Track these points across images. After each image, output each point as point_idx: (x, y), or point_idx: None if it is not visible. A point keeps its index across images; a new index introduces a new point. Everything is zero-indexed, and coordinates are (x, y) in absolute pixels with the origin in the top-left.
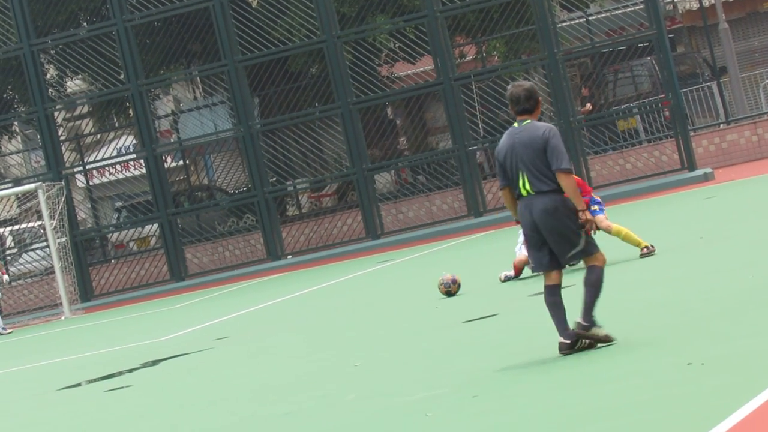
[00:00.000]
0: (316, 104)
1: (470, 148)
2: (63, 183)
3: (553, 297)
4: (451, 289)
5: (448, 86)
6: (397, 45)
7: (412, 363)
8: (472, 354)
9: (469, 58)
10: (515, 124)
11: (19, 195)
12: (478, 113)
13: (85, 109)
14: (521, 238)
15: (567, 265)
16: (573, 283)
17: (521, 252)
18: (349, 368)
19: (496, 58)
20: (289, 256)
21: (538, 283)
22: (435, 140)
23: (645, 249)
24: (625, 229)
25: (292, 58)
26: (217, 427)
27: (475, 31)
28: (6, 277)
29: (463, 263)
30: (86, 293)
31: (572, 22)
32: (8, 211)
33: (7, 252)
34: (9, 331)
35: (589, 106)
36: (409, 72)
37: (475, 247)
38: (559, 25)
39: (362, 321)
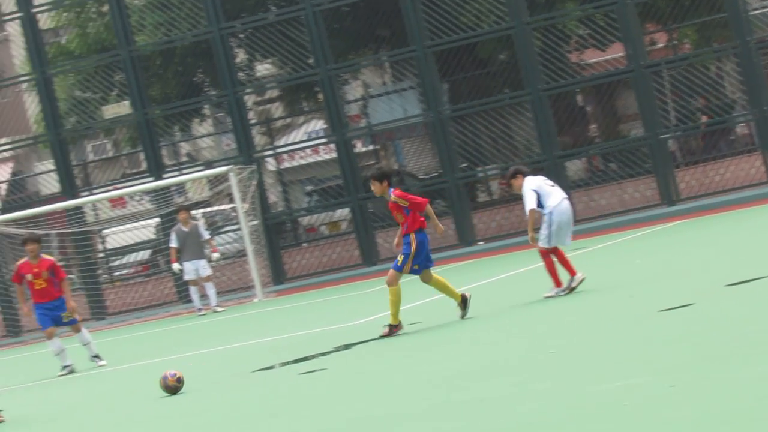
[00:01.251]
0: (506, 90)
1: (662, 136)
2: (254, 166)
3: None
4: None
5: (639, 74)
6: (586, 32)
7: (607, 351)
8: (669, 343)
9: (659, 45)
10: None
11: (211, 178)
12: (669, 101)
13: (275, 93)
14: None
15: None
16: None
17: None
18: (543, 356)
19: (687, 45)
20: (481, 242)
21: (735, 273)
22: (626, 128)
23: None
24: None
25: (480, 44)
26: (410, 413)
27: (666, 18)
28: (216, 255)
29: (657, 252)
30: (278, 276)
31: (765, 10)
32: (200, 194)
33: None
34: (222, 308)
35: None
36: (599, 59)
37: (668, 236)
38: (752, 13)
39: (554, 309)
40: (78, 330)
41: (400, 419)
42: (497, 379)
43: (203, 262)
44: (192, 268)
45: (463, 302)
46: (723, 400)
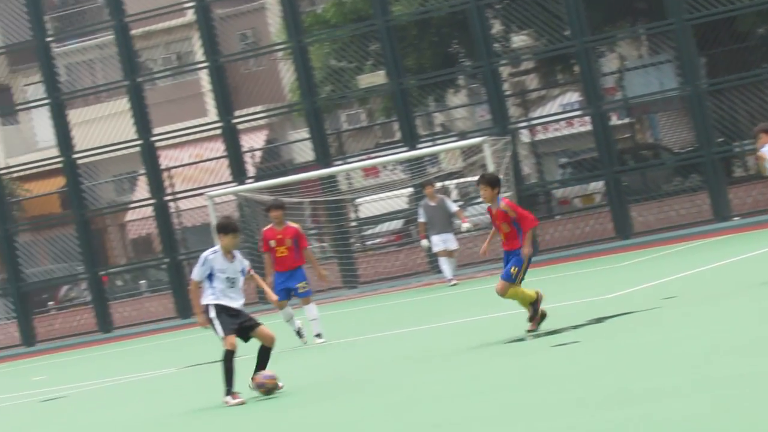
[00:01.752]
0: (764, 65)
1: None
2: (509, 138)
3: None
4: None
5: None
6: None
7: None
8: None
9: None
10: None
11: (464, 148)
12: None
13: (530, 65)
14: None
15: None
16: None
17: None
18: None
19: None
20: (737, 218)
21: None
22: None
23: None
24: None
25: (740, 18)
26: (668, 387)
27: None
28: (467, 225)
29: None
30: (536, 247)
31: None
32: (454, 164)
33: (457, 203)
34: (454, 282)
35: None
36: None
37: None
38: None
39: None
40: (308, 303)
41: (657, 394)
42: (761, 357)
43: (451, 236)
44: (440, 240)
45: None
46: None
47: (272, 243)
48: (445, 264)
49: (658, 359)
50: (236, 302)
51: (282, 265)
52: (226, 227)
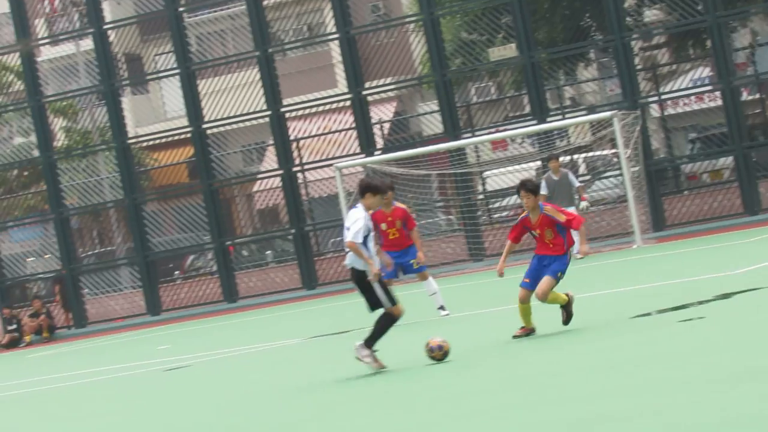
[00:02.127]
0: None
1: None
2: (638, 112)
3: None
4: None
5: None
6: None
7: None
8: None
9: None
10: None
11: (594, 122)
12: None
13: (662, 39)
14: None
15: None
16: None
17: None
18: None
19: None
20: None
21: None
22: None
23: None
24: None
25: None
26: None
27: None
28: (585, 203)
29: None
30: (658, 223)
31: None
32: (582, 138)
33: (580, 179)
34: (580, 256)
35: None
36: None
37: None
38: None
39: None
40: (425, 278)
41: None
42: None
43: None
44: None
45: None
46: None
47: (384, 226)
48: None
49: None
50: (378, 265)
51: (394, 246)
52: (377, 188)
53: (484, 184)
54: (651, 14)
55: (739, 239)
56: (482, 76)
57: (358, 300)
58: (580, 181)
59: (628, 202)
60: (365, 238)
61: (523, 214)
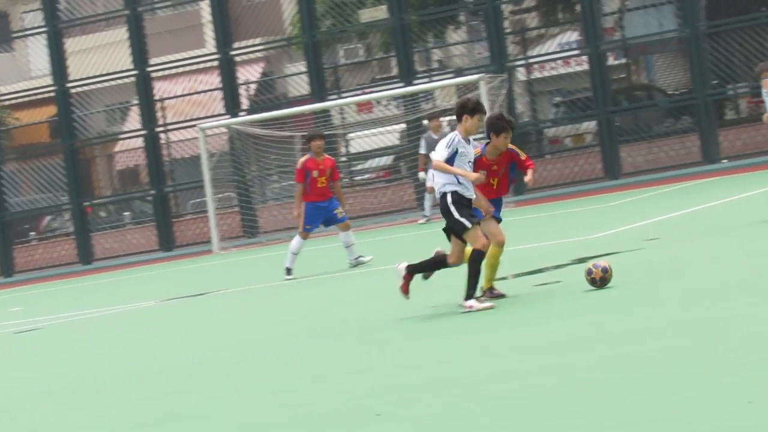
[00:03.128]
0: (764, 8)
1: None
2: (505, 75)
3: None
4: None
5: None
6: None
7: None
8: None
9: None
10: None
11: (460, 85)
12: None
13: (532, 3)
14: None
15: None
16: None
17: None
18: None
19: None
20: (725, 161)
21: None
22: None
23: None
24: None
25: None
26: (644, 329)
27: None
28: None
29: None
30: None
31: None
32: (448, 101)
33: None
34: (422, 221)
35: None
36: None
37: None
38: None
39: None
40: (347, 228)
41: (638, 334)
42: (736, 299)
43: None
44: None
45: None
46: None
47: (315, 173)
48: (427, 201)
49: (634, 300)
50: (470, 192)
51: (321, 195)
52: (475, 108)
53: (347, 147)
54: None
55: (599, 203)
56: (352, 37)
57: (215, 262)
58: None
59: None
60: (452, 160)
61: (475, 155)
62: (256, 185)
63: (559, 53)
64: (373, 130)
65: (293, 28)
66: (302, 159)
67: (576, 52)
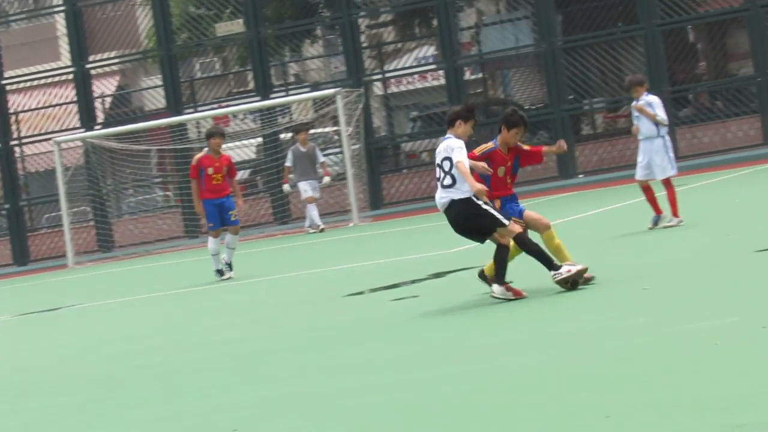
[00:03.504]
0: (619, 24)
1: None
2: (362, 90)
3: None
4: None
5: (755, 12)
6: None
7: (701, 290)
8: (763, 284)
9: None
10: None
11: (317, 99)
12: None
13: (389, 17)
14: None
15: None
16: None
17: None
18: (638, 292)
19: None
20: (581, 175)
21: None
22: (735, 67)
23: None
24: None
25: None
26: (504, 342)
27: None
28: (328, 179)
29: (757, 192)
30: (376, 201)
31: None
32: (305, 115)
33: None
34: (312, 231)
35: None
36: None
37: None
38: None
39: (649, 245)
40: (236, 232)
41: (494, 349)
42: (590, 315)
43: (314, 183)
44: (309, 187)
45: None
46: None
47: (210, 170)
48: (314, 210)
49: (496, 317)
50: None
51: (216, 192)
52: (468, 115)
53: None
54: None
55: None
56: (208, 51)
57: (71, 277)
58: (324, 155)
59: (347, 180)
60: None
61: (488, 148)
62: (111, 199)
63: (415, 68)
64: (230, 144)
65: (149, 41)
66: (198, 155)
67: (432, 66)
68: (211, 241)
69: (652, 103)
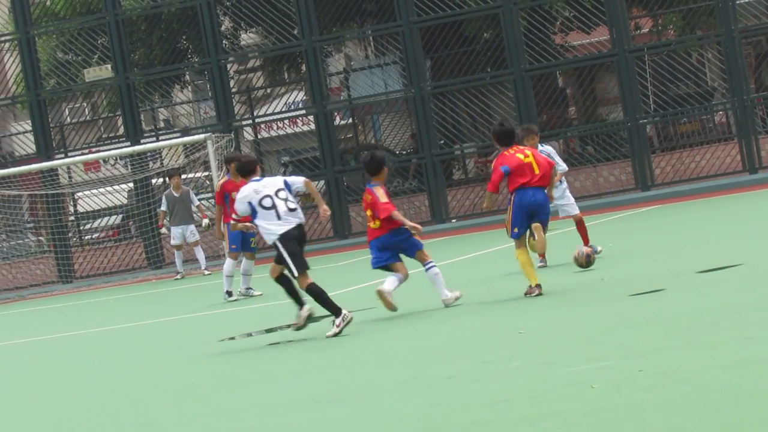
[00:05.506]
0: (488, 69)
1: (641, 122)
2: (232, 135)
3: None
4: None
5: (623, 58)
6: (572, 14)
7: (576, 333)
8: (639, 328)
9: (644, 30)
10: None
11: (187, 145)
12: (649, 86)
13: (257, 63)
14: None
15: None
16: None
17: None
18: (514, 335)
19: (671, 32)
20: (454, 220)
21: (707, 260)
22: (605, 111)
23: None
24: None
25: (466, 22)
26: (382, 386)
27: (652, 3)
28: (206, 221)
29: (630, 236)
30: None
31: (751, 0)
32: (176, 161)
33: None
34: (208, 272)
35: None
36: (583, 41)
37: (642, 221)
38: (738, 2)
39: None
40: (252, 258)
41: (370, 392)
42: (466, 358)
43: (192, 228)
44: (179, 233)
45: None
46: (690, 386)
47: (234, 194)
48: (178, 258)
49: (371, 358)
50: None
51: (244, 219)
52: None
53: (75, 206)
54: (247, 37)
55: (329, 263)
56: (77, 96)
57: None
58: (199, 200)
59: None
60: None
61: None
62: None
63: (285, 113)
64: (101, 189)
65: (18, 86)
66: (220, 181)
67: (302, 111)
68: (229, 263)
69: (549, 153)
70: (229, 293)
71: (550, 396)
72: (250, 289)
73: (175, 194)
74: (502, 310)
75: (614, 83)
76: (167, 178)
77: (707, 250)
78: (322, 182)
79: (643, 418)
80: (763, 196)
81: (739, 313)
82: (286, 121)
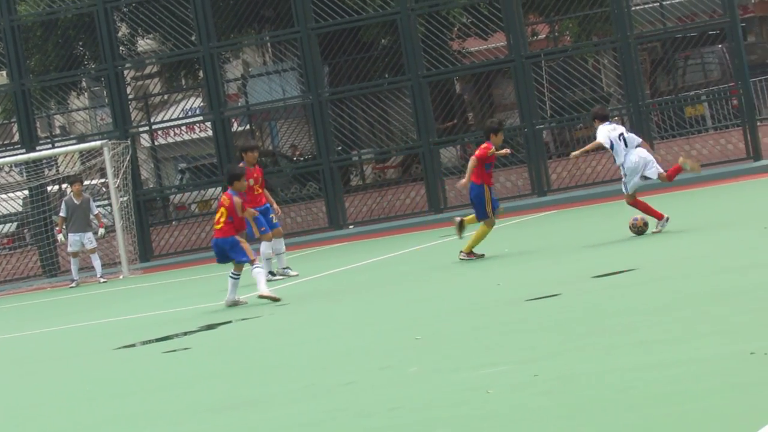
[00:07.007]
0: (386, 75)
1: (538, 127)
2: (129, 142)
3: None
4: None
5: (519, 64)
6: (470, 20)
7: (473, 339)
8: (534, 333)
9: (541, 36)
10: None
11: (84, 152)
12: (546, 92)
13: (155, 69)
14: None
15: None
16: None
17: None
18: (411, 341)
19: (568, 38)
20: (351, 226)
21: (602, 265)
22: (502, 117)
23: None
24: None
25: (364, 29)
26: (278, 392)
27: (549, 10)
28: (102, 230)
29: (526, 242)
30: (146, 253)
31: (646, 6)
32: (72, 168)
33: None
34: (104, 280)
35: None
36: (480, 48)
37: (538, 226)
38: (633, 8)
39: (422, 295)
40: (280, 235)
41: (268, 399)
42: (365, 364)
43: (89, 235)
44: (77, 240)
45: None
46: (585, 390)
47: (251, 182)
48: (74, 265)
49: (267, 365)
50: None
51: (257, 202)
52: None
53: None
54: (144, 44)
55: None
56: None
57: None
58: (98, 209)
59: (116, 232)
60: None
61: (491, 150)
62: None
63: (182, 119)
64: None
65: None
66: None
67: (200, 118)
68: (265, 245)
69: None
70: (272, 273)
71: (446, 401)
72: (288, 268)
73: (76, 201)
74: (400, 316)
75: (511, 89)
76: (69, 185)
77: (602, 255)
78: (219, 188)
79: (540, 423)
80: (659, 200)
81: (632, 317)
82: (184, 128)
